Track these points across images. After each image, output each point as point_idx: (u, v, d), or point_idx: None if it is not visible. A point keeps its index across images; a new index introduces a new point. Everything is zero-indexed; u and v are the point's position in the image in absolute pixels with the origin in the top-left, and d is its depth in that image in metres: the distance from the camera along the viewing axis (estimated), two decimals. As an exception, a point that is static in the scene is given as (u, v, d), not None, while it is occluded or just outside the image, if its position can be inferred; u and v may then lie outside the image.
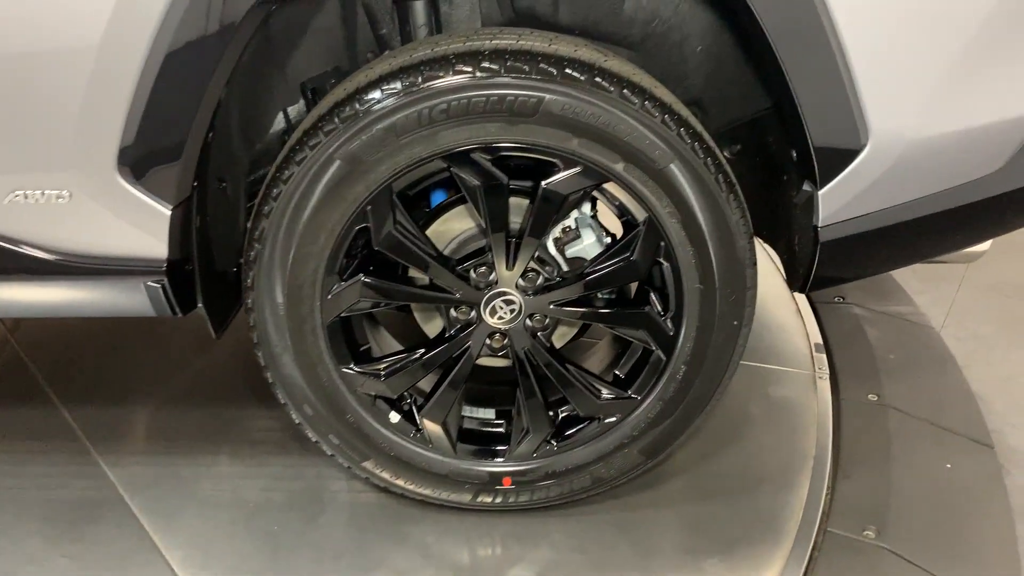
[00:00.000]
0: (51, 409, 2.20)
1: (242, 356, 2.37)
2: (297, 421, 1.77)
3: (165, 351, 2.45)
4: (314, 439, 1.79)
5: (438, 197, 1.80)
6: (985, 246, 2.05)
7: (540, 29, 1.77)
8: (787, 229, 1.76)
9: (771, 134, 1.77)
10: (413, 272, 1.76)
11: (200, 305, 1.71)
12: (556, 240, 1.70)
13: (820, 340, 2.57)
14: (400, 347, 1.88)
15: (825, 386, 2.36)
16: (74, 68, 1.40)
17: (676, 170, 1.53)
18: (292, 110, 1.88)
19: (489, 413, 1.89)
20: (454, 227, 1.74)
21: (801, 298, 2.76)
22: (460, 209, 1.73)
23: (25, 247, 1.58)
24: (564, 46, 1.52)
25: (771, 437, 2.15)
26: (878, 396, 2.35)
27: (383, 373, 1.72)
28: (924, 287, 2.99)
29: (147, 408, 2.22)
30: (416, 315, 1.83)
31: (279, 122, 1.88)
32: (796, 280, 1.77)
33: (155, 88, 1.43)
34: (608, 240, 1.73)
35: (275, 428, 2.11)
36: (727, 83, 1.82)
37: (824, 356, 2.49)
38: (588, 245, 1.69)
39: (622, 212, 1.67)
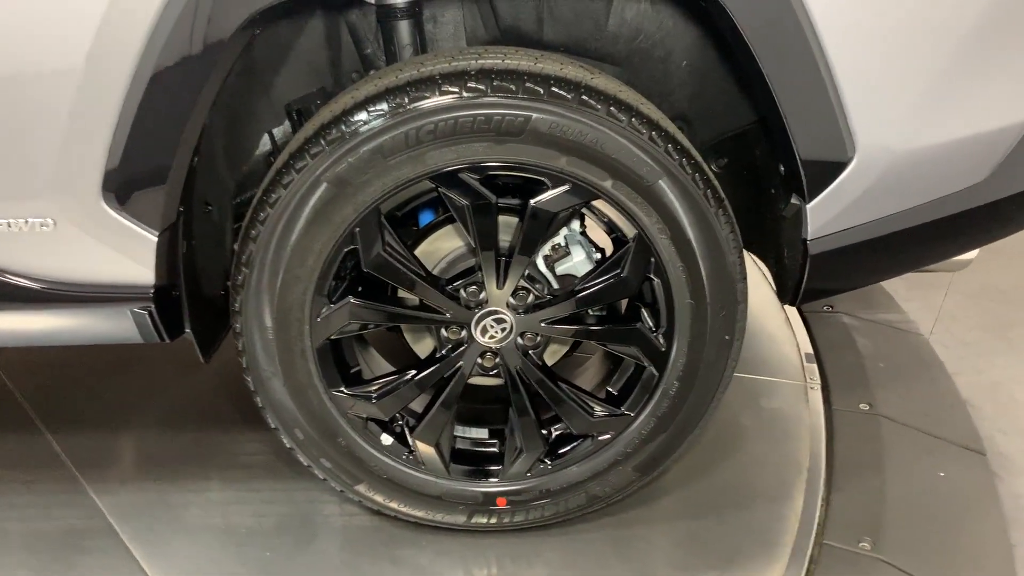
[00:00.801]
0: (37, 436, 2.17)
1: (228, 379, 2.35)
2: (288, 446, 1.75)
3: (150, 375, 2.42)
4: (306, 463, 1.77)
5: (426, 217, 1.79)
6: (972, 254, 2.06)
7: (525, 47, 1.78)
8: (776, 242, 1.76)
9: (757, 148, 1.78)
10: (402, 292, 1.75)
11: (188, 330, 1.69)
12: (546, 258, 1.69)
13: (810, 350, 2.57)
14: (391, 368, 1.87)
15: (817, 396, 2.36)
16: (56, 91, 1.39)
17: (665, 186, 1.52)
18: (277, 132, 1.87)
19: (481, 433, 1.88)
20: (443, 247, 1.73)
21: (790, 308, 2.77)
22: (448, 229, 1.72)
23: (8, 275, 1.56)
24: (550, 64, 1.52)
25: (764, 449, 2.15)
26: (870, 405, 2.35)
27: (374, 395, 1.70)
28: (912, 295, 3.01)
29: (134, 433, 2.20)
30: (406, 335, 1.82)
31: (264, 144, 1.87)
32: (786, 293, 1.77)
33: (140, 111, 1.41)
34: (598, 256, 1.72)
35: (264, 452, 2.08)
36: (712, 98, 1.82)
37: (815, 366, 2.49)
38: (578, 262, 1.69)
39: (611, 229, 1.67)
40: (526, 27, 1.80)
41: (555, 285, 1.70)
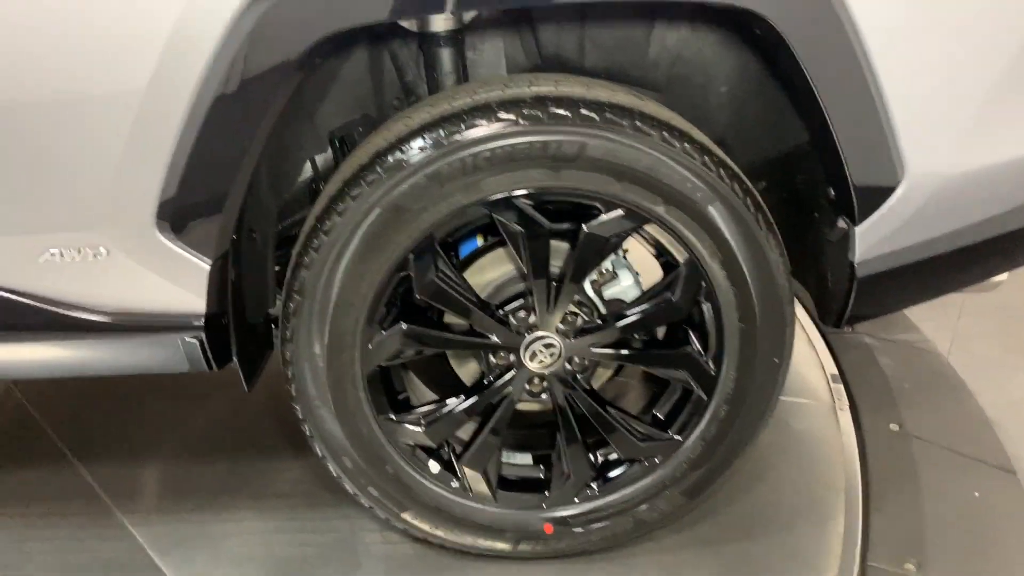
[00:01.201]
0: (68, 468, 2.14)
1: (260, 404, 2.34)
2: (335, 474, 1.74)
3: (177, 401, 2.40)
4: (352, 492, 1.76)
5: (470, 244, 1.79)
6: (1003, 276, 2.07)
7: (566, 73, 1.79)
8: (818, 265, 1.77)
9: (798, 171, 1.79)
10: (448, 318, 1.74)
11: (235, 359, 1.68)
12: (593, 282, 1.69)
13: (835, 371, 2.59)
14: (430, 393, 1.86)
15: (846, 417, 2.37)
16: (116, 116, 1.37)
17: (717, 211, 1.53)
18: (319, 159, 1.87)
19: (526, 458, 1.87)
20: (490, 272, 1.73)
21: (812, 328, 2.78)
22: (496, 254, 1.72)
23: (58, 306, 1.55)
24: (602, 91, 1.53)
25: (798, 471, 2.15)
26: (899, 425, 2.36)
27: (424, 421, 1.69)
28: (927, 314, 3.02)
29: (166, 462, 2.18)
30: (451, 361, 1.81)
31: (306, 171, 1.87)
32: (830, 316, 1.77)
33: (200, 138, 1.40)
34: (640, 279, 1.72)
35: (302, 479, 2.07)
36: (751, 122, 1.84)
37: (841, 387, 2.50)
38: (627, 287, 1.69)
39: (660, 252, 1.68)
40: (567, 54, 1.82)
41: (602, 309, 1.70)
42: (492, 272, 1.72)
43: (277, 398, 2.31)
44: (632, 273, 1.70)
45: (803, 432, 2.30)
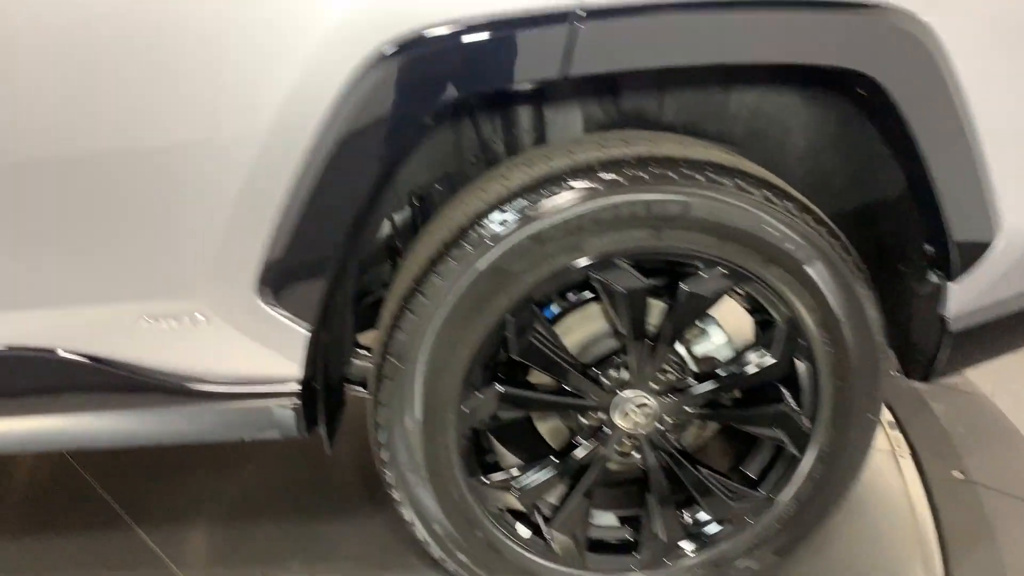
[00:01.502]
0: (127, 532, 2.08)
1: (315, 464, 2.29)
2: (423, 540, 1.70)
3: (233, 460, 2.35)
4: (438, 557, 1.72)
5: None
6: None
7: (644, 129, 1.79)
8: (903, 318, 1.76)
9: (883, 225, 1.78)
10: (534, 378, 1.72)
11: (322, 423, 1.65)
12: (685, 340, 1.67)
13: (891, 417, 2.57)
14: (511, 454, 1.83)
15: (909, 465, 2.35)
16: (227, 172, 1.34)
17: (818, 268, 1.53)
18: (397, 217, 1.85)
19: (609, 518, 1.83)
20: (577, 331, 1.70)
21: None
22: (583, 312, 1.70)
23: (149, 374, 1.51)
24: (700, 150, 1.53)
25: (871, 522, 2.12)
26: (963, 473, 2.34)
27: (516, 485, 1.66)
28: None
29: (229, 524, 2.12)
30: (537, 422, 1.78)
31: (384, 229, 1.85)
32: (917, 370, 1.76)
33: (312, 195, 1.37)
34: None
35: (371, 541, 2.02)
36: (828, 175, 1.83)
37: (899, 433, 2.49)
38: (720, 345, 1.67)
39: (753, 309, 1.66)
40: (646, 110, 1.81)
41: (693, 367, 1.68)
42: (579, 331, 1.70)
43: (338, 457, 2.28)
44: (722, 330, 1.69)
45: (869, 481, 2.28)
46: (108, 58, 1.27)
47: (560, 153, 1.53)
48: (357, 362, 1.86)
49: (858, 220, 1.85)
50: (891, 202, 1.72)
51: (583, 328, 1.70)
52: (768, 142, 1.84)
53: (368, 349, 2.09)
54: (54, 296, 1.43)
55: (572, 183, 1.46)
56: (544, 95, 1.77)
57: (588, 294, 1.65)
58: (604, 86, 1.79)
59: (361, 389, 1.85)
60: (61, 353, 1.50)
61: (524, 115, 1.76)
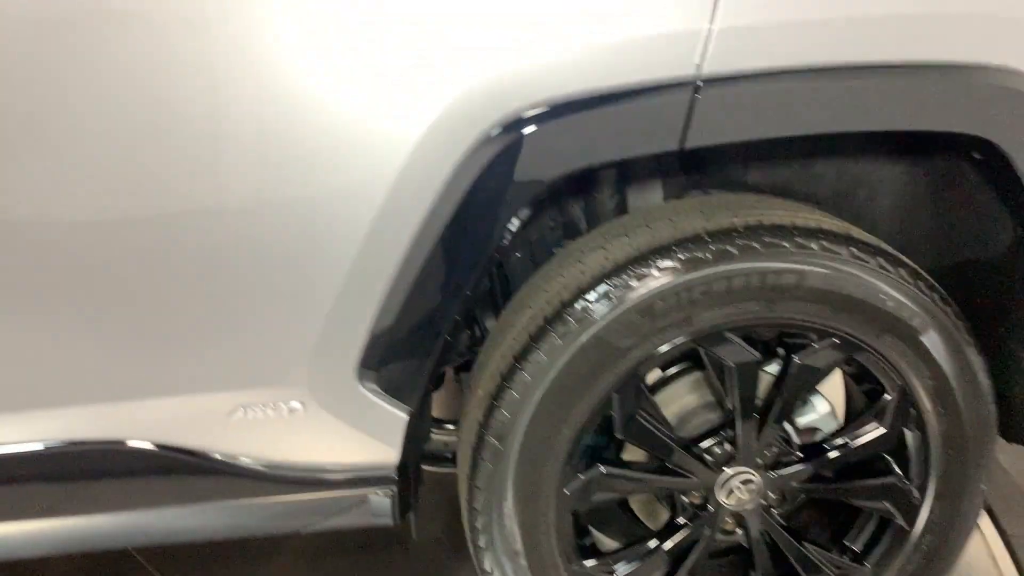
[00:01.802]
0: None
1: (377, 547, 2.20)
2: (520, 629, 1.61)
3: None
4: (535, 646, 1.63)
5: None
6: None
7: (727, 192, 1.75)
8: (1005, 381, 1.70)
9: (977, 286, 1.73)
10: (628, 455, 1.64)
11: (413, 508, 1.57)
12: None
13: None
14: (604, 537, 1.75)
15: (986, 522, 2.28)
16: (337, 250, 1.28)
17: (932, 337, 1.47)
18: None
19: (707, 595, 1.76)
20: (676, 403, 1.64)
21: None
22: (682, 383, 1.63)
23: (238, 466, 1.43)
24: (808, 215, 1.48)
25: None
26: (1041, 530, 2.28)
27: (619, 569, 1.58)
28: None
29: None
30: (632, 502, 1.71)
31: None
32: (1018, 434, 1.70)
33: (424, 269, 1.32)
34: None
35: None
36: (917, 236, 1.79)
37: (972, 490, 2.42)
38: (825, 415, 1.61)
39: (860, 379, 1.60)
40: (731, 172, 1.77)
41: (797, 439, 1.61)
42: (675, 404, 1.63)
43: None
44: (826, 400, 1.63)
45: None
46: (232, 141, 1.22)
47: (662, 222, 1.48)
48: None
49: (949, 282, 1.81)
50: (992, 262, 1.67)
51: (679, 401, 1.64)
52: (854, 202, 1.79)
53: (442, 422, 2.03)
54: (141, 388, 1.35)
55: (680, 254, 1.40)
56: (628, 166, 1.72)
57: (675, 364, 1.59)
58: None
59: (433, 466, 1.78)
60: (139, 445, 1.41)
61: (606, 182, 1.71)
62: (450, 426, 2.01)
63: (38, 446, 1.37)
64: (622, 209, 1.73)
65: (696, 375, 1.61)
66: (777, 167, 1.75)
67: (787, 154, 1.71)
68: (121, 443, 1.37)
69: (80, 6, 1.16)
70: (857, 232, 1.48)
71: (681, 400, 1.63)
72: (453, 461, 1.76)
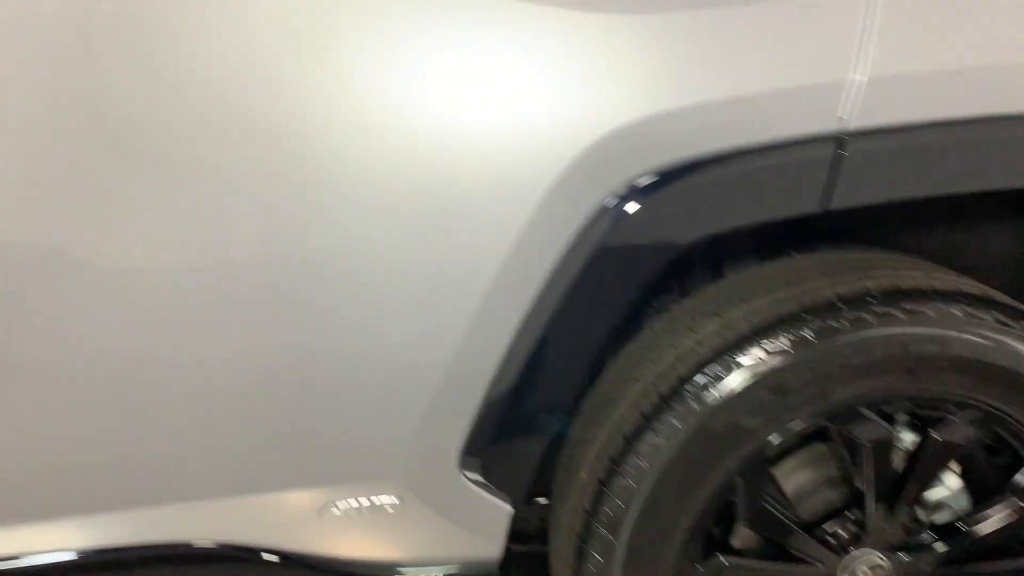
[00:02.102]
0: None
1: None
2: None
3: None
4: None
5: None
6: None
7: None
8: None
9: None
10: (737, 541, 1.50)
11: (510, 604, 1.42)
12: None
13: None
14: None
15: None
16: (443, 334, 1.15)
17: (1082, 406, 1.34)
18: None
19: None
20: (790, 481, 1.50)
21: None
22: (798, 460, 1.50)
23: (331, 567, 1.28)
24: (943, 277, 1.36)
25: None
26: None
27: (739, 669, 1.43)
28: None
29: None
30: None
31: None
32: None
33: (540, 344, 1.19)
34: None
35: None
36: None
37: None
38: (955, 491, 1.48)
39: (993, 450, 1.47)
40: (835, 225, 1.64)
41: (923, 518, 1.48)
42: (789, 482, 1.49)
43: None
44: (957, 475, 1.49)
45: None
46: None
47: (783, 287, 1.35)
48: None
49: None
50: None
51: (793, 478, 1.50)
52: (964, 254, 1.67)
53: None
54: (229, 485, 1.20)
55: (815, 322, 1.27)
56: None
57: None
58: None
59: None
60: (208, 546, 1.27)
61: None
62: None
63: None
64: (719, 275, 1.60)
65: (815, 449, 1.47)
66: (884, 220, 1.63)
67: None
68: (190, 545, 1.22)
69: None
70: (998, 295, 1.36)
71: (795, 477, 1.50)
72: (538, 539, 1.62)
